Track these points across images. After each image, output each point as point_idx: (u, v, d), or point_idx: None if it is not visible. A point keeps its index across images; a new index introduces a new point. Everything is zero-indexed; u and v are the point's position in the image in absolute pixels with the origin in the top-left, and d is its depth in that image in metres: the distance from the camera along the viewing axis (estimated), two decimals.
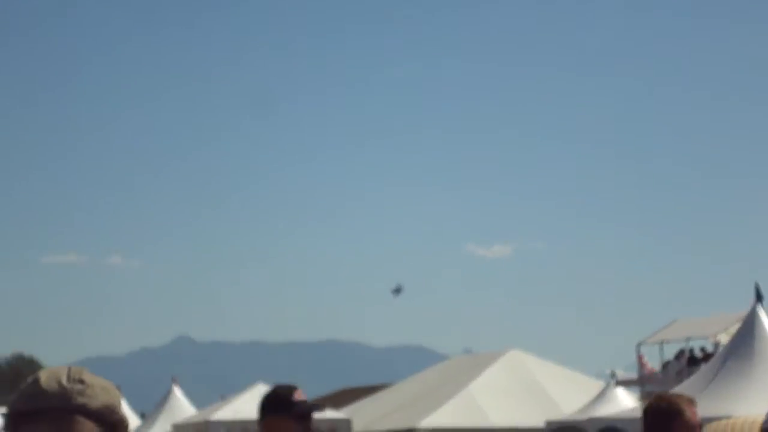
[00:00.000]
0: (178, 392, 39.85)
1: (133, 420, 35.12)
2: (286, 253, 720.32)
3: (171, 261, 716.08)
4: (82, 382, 3.49)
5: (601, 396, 31.74)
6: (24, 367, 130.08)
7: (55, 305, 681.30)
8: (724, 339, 34.06)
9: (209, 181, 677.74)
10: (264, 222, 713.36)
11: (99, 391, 3.49)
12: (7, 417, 3.50)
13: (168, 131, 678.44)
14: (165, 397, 40.10)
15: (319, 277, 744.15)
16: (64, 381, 3.47)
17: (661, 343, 44.17)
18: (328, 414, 33.87)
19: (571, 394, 36.20)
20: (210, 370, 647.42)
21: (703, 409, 7.60)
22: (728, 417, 12.23)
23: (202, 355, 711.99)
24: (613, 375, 33.95)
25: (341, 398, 50.96)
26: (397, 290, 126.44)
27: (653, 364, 43.76)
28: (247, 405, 31.70)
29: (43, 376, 3.48)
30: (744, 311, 25.07)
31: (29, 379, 3.53)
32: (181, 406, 39.04)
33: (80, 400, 3.46)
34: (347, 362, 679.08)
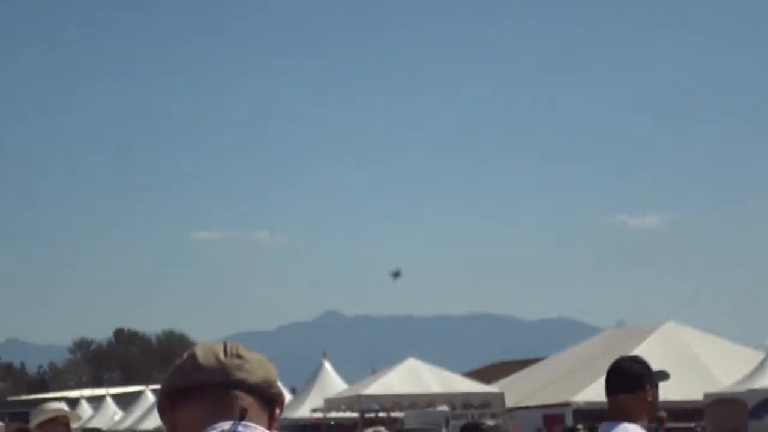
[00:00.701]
0: (328, 367, 40.08)
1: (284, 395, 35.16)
2: (439, 226, 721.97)
3: (318, 236, 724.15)
4: (239, 356, 3.40)
5: (760, 367, 30.85)
6: (175, 343, 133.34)
7: (204, 281, 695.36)
8: None
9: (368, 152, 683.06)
10: (417, 194, 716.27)
11: (256, 365, 3.40)
12: (163, 393, 3.39)
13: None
14: (316, 371, 40.39)
15: (470, 251, 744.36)
16: (221, 356, 3.38)
17: None
18: (481, 388, 33.53)
19: (729, 366, 35.32)
20: (358, 344, 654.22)
21: None
22: None
23: (350, 329, 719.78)
24: None
25: (493, 372, 50.66)
26: (396, 274, 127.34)
27: None
28: (398, 379, 31.58)
29: (200, 352, 3.39)
30: None
31: (185, 355, 3.42)
32: (332, 381, 39.25)
33: (239, 375, 3.36)
34: (499, 336, 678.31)
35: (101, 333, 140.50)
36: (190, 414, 3.33)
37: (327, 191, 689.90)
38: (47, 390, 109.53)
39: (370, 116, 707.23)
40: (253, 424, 3.31)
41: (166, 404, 3.38)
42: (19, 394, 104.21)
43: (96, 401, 68.43)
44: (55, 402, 9.36)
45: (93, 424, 54.26)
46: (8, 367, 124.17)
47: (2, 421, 59.36)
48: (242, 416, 3.31)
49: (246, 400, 3.34)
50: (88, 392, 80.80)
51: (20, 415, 53.23)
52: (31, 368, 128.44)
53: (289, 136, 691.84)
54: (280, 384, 3.46)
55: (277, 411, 3.42)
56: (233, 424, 3.29)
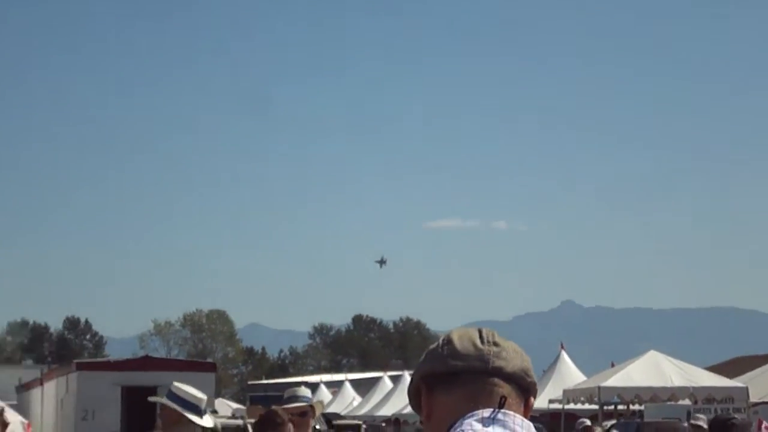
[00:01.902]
0: (566, 357, 39.58)
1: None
2: (675, 220, 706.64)
3: (555, 226, 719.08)
4: (496, 344, 3.37)
5: None
6: (410, 330, 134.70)
7: (441, 270, 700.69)
8: None
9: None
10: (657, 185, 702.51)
11: (513, 353, 3.38)
12: (419, 377, 3.38)
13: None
14: (554, 362, 39.96)
15: (713, 244, 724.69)
16: (478, 343, 3.36)
17: None
18: (724, 382, 32.46)
19: None
20: (595, 336, 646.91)
21: None
22: None
23: (586, 320, 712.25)
24: None
25: (737, 366, 49.00)
26: (381, 262, 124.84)
27: None
28: (639, 372, 30.87)
29: (456, 338, 3.37)
30: None
31: (441, 341, 3.41)
32: (570, 372, 38.74)
33: (497, 362, 3.33)
34: (743, 330, 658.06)
35: (340, 319, 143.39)
36: (448, 399, 3.30)
37: (567, 180, 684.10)
38: (287, 374, 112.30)
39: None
40: (512, 413, 3.28)
41: (420, 387, 3.37)
42: (260, 378, 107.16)
43: (335, 386, 69.57)
44: (303, 387, 9.62)
45: (332, 409, 55.09)
46: (249, 351, 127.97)
47: (244, 404, 61.07)
48: (502, 404, 3.28)
49: (504, 388, 3.31)
50: (327, 377, 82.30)
51: (261, 398, 54.59)
52: (272, 353, 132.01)
53: (531, 127, 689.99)
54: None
55: (532, 400, 3.37)
56: (493, 412, 3.26)
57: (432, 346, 3.41)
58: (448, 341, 3.37)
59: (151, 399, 8.26)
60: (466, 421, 3.22)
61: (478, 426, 3.20)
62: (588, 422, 25.05)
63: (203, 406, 7.94)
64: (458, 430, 3.19)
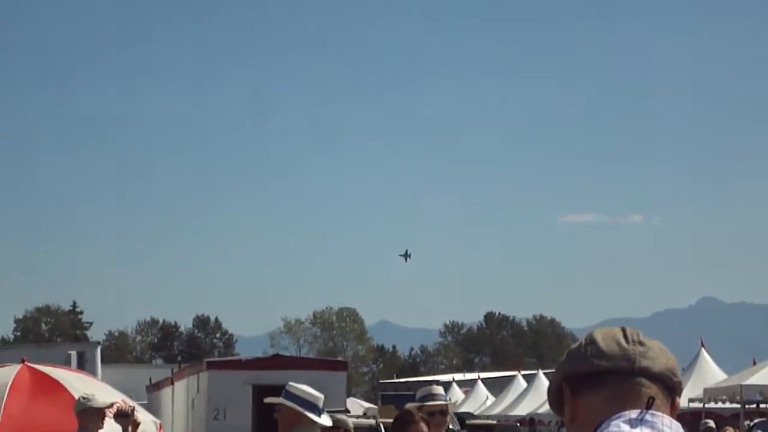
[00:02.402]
0: (706, 355, 38.71)
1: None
2: None
3: (692, 219, 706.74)
4: (641, 343, 3.25)
5: None
6: (544, 327, 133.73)
7: (574, 266, 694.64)
8: None
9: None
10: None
11: (659, 353, 3.26)
12: (562, 377, 3.28)
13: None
14: (693, 360, 39.11)
15: None
16: (623, 342, 3.24)
17: None
18: None
19: None
20: (736, 332, 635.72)
21: None
22: None
23: (727, 317, 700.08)
24: None
25: None
26: (407, 255, 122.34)
27: None
28: None
29: (600, 337, 3.26)
30: None
31: (584, 340, 3.29)
32: (711, 370, 37.90)
33: (644, 362, 3.21)
34: None
35: (472, 317, 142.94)
36: (593, 401, 3.21)
37: (703, 173, 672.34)
38: (418, 373, 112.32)
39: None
40: (660, 414, 3.17)
41: (561, 387, 3.28)
42: (391, 376, 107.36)
43: (467, 385, 69.15)
44: (436, 385, 9.70)
45: (464, 408, 54.64)
46: (380, 349, 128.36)
47: (375, 403, 60.83)
48: (650, 405, 3.18)
49: (652, 389, 3.21)
50: (459, 376, 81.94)
51: (393, 397, 54.26)
52: (403, 351, 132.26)
53: (669, 117, 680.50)
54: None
55: (678, 400, 3.25)
56: (641, 413, 3.16)
57: (574, 346, 3.32)
58: (592, 341, 3.29)
59: (267, 400, 8.19)
60: (614, 422, 3.14)
61: (626, 427, 3.12)
62: (711, 423, 24.51)
63: (320, 404, 7.94)
64: (605, 431, 3.13)
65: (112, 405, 11.04)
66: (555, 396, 3.32)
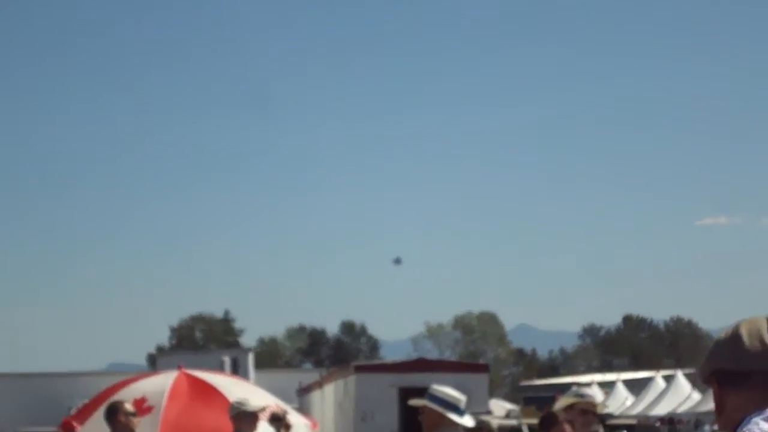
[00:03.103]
0: None
1: None
2: None
3: None
4: None
5: None
6: (682, 329, 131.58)
7: (708, 267, 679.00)
8: None
9: None
10: None
11: None
12: (707, 370, 3.25)
13: None
14: None
15: None
16: (766, 339, 3.16)
17: None
18: None
19: None
20: None
21: None
22: None
23: None
24: None
25: None
26: (397, 261, 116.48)
27: None
28: None
29: (745, 334, 3.17)
30: None
31: (727, 334, 3.22)
32: None
33: None
34: None
35: (610, 319, 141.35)
36: (737, 398, 3.17)
37: None
38: (558, 375, 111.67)
39: None
40: None
41: (709, 379, 3.26)
42: (531, 378, 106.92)
43: (607, 386, 68.79)
44: (584, 387, 9.62)
45: (605, 409, 54.53)
46: (519, 352, 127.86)
47: (516, 404, 61.10)
48: None
49: None
50: (598, 377, 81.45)
51: (534, 399, 54.56)
52: (542, 353, 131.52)
53: None
54: None
55: None
56: None
57: (722, 338, 3.25)
58: (737, 337, 3.20)
59: (412, 402, 8.26)
60: (754, 419, 3.09)
61: (765, 426, 3.06)
62: None
63: (463, 406, 7.97)
64: (745, 428, 3.07)
65: (265, 408, 11.28)
66: (706, 383, 3.32)
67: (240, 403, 10.63)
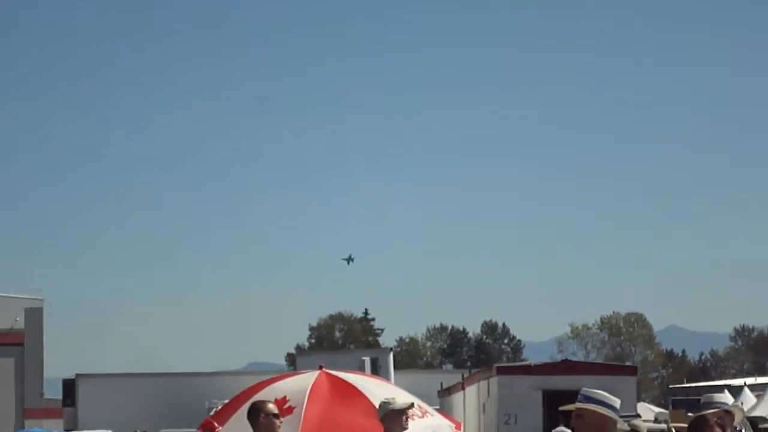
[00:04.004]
0: None
1: None
2: None
3: None
4: None
5: None
6: None
7: None
8: None
9: None
10: None
11: None
12: None
13: None
14: None
15: None
16: None
17: None
18: None
19: None
20: None
21: None
22: None
23: None
24: None
25: None
26: (349, 259, 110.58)
27: None
28: None
29: None
30: None
31: None
32: None
33: None
34: None
35: (763, 320, 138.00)
36: None
37: None
38: (708, 377, 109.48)
39: None
40: None
41: None
42: (681, 381, 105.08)
43: (759, 389, 67.10)
44: (717, 393, 9.30)
45: (757, 412, 53.09)
46: (669, 354, 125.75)
47: (666, 408, 59.96)
48: None
49: None
50: (750, 380, 79.52)
51: (683, 402, 53.43)
52: (692, 356, 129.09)
53: None
54: None
55: None
56: None
57: None
58: None
59: (565, 408, 7.97)
60: None
61: None
62: None
63: (618, 407, 7.68)
64: None
65: (412, 405, 11.03)
66: None
67: (387, 403, 10.57)
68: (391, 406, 10.47)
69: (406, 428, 10.51)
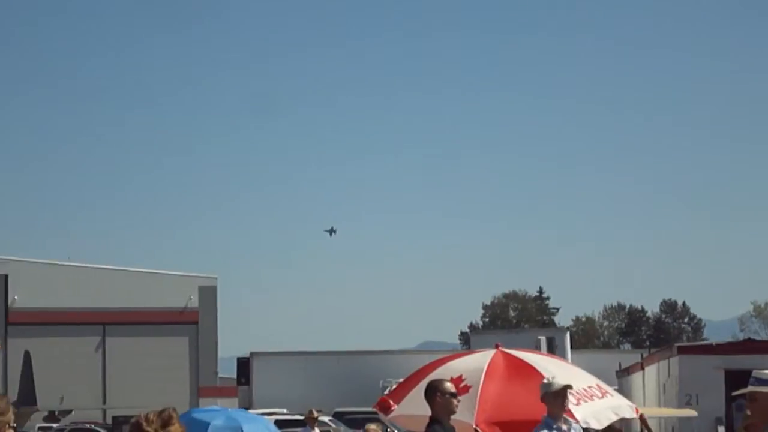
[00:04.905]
0: None
1: None
2: None
3: None
4: None
5: None
6: None
7: None
8: None
9: None
10: None
11: None
12: None
13: None
14: None
15: None
16: None
17: None
18: None
19: None
20: None
21: None
22: None
23: None
24: None
25: None
26: (332, 231, 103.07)
27: None
28: None
29: None
30: None
31: None
32: None
33: None
34: None
35: None
36: None
37: None
38: None
39: None
40: None
41: None
42: None
43: None
44: None
45: None
46: None
47: None
48: None
49: None
50: None
51: None
52: None
53: None
54: None
55: None
56: None
57: None
58: None
59: (738, 392, 7.68)
60: None
61: None
62: None
63: None
64: None
65: (571, 387, 10.82)
66: None
67: (546, 382, 10.51)
68: (550, 387, 10.41)
69: (564, 408, 10.47)
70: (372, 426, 17.13)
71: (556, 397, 10.36)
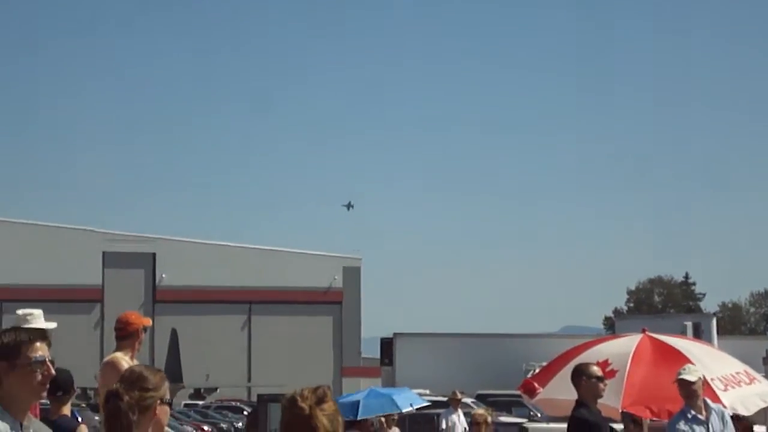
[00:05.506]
0: None
1: None
2: None
3: None
4: None
5: None
6: None
7: None
8: None
9: None
10: None
11: None
12: None
13: None
14: None
15: None
16: None
17: None
18: None
19: None
20: None
21: None
22: None
23: None
24: None
25: None
26: (349, 205, 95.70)
27: None
28: None
29: None
30: None
31: None
32: None
33: None
34: None
35: None
36: None
37: None
38: None
39: None
40: None
41: None
42: None
43: None
44: None
45: None
46: None
47: None
48: None
49: None
50: None
51: None
52: None
53: None
54: None
55: None
56: None
57: None
58: None
59: None
60: None
61: None
62: None
63: None
64: None
65: (700, 378, 10.97)
66: None
67: (680, 371, 10.65)
68: (679, 375, 10.59)
69: (697, 398, 10.63)
70: (479, 411, 17.25)
71: (685, 387, 10.52)
